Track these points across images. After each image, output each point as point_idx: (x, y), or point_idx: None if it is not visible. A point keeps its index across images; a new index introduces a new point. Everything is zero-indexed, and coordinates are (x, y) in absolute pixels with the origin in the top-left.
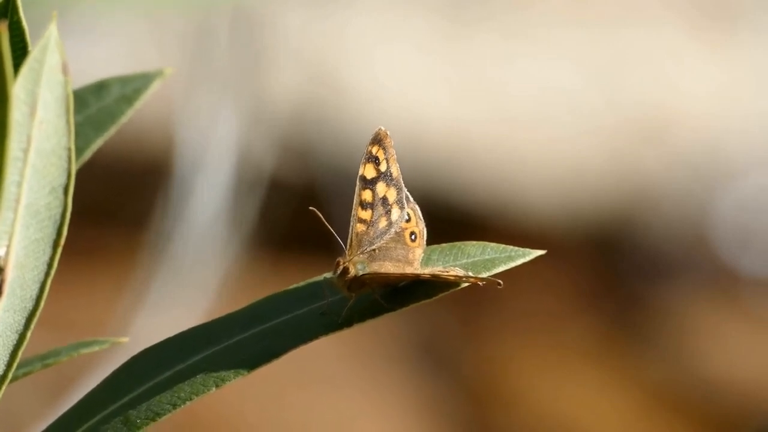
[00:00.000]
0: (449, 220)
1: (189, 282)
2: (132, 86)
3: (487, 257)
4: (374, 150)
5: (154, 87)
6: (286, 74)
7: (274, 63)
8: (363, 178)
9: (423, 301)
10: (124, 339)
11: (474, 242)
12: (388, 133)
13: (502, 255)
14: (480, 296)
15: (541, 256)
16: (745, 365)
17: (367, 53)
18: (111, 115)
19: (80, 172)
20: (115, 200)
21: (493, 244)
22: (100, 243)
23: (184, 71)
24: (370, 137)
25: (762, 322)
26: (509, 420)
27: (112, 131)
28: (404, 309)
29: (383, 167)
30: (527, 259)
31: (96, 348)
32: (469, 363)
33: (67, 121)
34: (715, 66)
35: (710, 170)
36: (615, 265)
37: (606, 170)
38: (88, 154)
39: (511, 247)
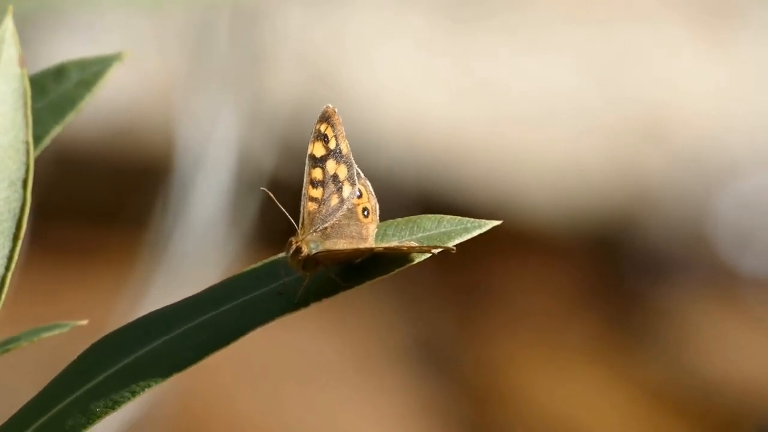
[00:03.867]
0: None
1: (189, 281)
2: (91, 70)
3: (442, 230)
4: (322, 128)
5: (114, 70)
6: (286, 73)
7: (274, 62)
8: (312, 157)
9: (380, 277)
10: (83, 322)
11: (429, 216)
12: (336, 110)
13: (458, 227)
14: (480, 296)
15: (540, 256)
16: (745, 365)
17: (367, 52)
18: (71, 101)
19: (79, 172)
20: (115, 200)
21: (448, 217)
22: (100, 243)
23: (184, 70)
24: (317, 116)
25: (762, 322)
26: (509, 419)
27: (71, 117)
28: (403, 309)
29: (332, 144)
30: (483, 230)
31: (56, 332)
32: (468, 362)
33: (25, 114)
34: (716, 64)
35: (711, 169)
36: (615, 265)
37: (606, 169)
38: (47, 141)
39: (467, 218)
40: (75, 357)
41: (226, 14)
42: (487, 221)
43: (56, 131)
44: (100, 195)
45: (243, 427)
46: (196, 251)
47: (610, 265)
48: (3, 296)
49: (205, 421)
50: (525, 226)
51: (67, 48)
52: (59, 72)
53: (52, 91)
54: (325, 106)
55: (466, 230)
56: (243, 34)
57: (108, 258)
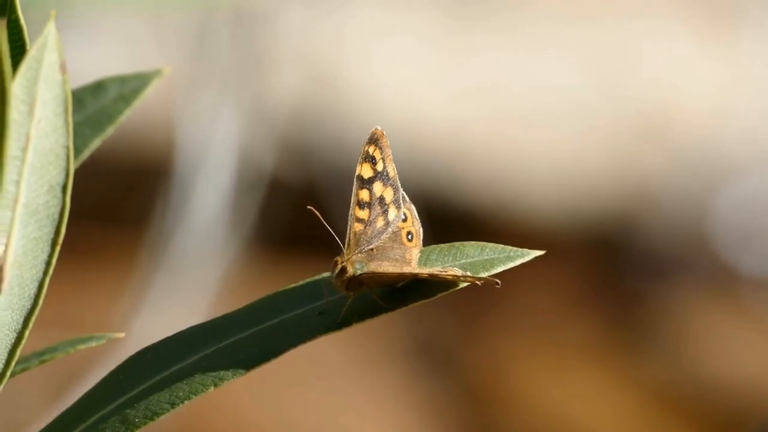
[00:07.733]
0: (449, 219)
1: (189, 281)
2: (130, 86)
3: (485, 257)
4: (371, 150)
5: (152, 87)
6: (286, 74)
7: (275, 63)
8: (360, 178)
9: (422, 301)
10: (121, 335)
11: (473, 242)
12: (384, 132)
13: (501, 255)
14: (480, 296)
15: (541, 256)
16: (745, 365)
17: (367, 52)
18: (109, 116)
19: (81, 172)
20: (115, 200)
21: (491, 245)
22: (101, 243)
23: (185, 71)
24: (366, 137)
25: (762, 322)
26: (509, 419)
27: (110, 131)
28: (405, 309)
29: (380, 167)
30: (526, 259)
31: (93, 344)
32: (469, 362)
33: (66, 120)
34: (716, 63)
35: (711, 169)
36: (615, 265)
37: (606, 169)
38: (86, 154)
39: (510, 247)
40: (114, 366)
41: (227, 15)
42: (530, 251)
43: (95, 145)
44: (100, 195)
45: (246, 426)
46: (196, 251)
47: (610, 265)
48: (41, 301)
49: (208, 420)
50: (525, 226)
51: (68, 49)
52: (98, 87)
53: (91, 105)
54: (374, 129)
55: (510, 258)
56: (243, 35)
57: (108, 258)
